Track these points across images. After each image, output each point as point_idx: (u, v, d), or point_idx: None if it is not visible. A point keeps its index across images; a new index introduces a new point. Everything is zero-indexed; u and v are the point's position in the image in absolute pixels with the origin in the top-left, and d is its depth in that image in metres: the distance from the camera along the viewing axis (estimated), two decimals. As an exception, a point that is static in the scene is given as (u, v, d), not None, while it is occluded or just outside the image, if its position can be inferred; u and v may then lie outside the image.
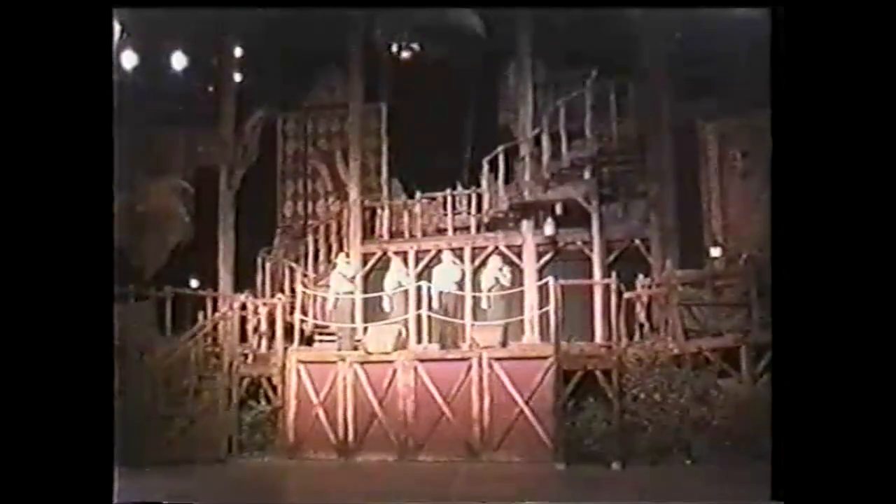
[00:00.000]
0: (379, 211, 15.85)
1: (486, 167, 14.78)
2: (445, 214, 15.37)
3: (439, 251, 14.80)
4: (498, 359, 12.36)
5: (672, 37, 13.53)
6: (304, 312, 14.46)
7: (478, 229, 15.17)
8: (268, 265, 15.46)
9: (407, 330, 13.55)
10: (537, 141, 14.36)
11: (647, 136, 14.07)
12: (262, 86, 16.46)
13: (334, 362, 13.10)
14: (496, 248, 14.74)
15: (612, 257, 14.13)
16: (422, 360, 12.73)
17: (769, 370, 10.12)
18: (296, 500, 10.56)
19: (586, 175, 14.00)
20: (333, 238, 15.86)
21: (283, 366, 13.19)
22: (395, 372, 12.68)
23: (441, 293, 13.82)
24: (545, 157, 14.06)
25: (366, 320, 14.46)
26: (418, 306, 13.62)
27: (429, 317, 13.66)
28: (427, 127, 15.58)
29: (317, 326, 14.59)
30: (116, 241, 5.39)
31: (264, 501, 9.97)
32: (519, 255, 14.73)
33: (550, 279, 12.72)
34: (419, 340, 13.79)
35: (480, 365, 12.31)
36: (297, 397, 13.06)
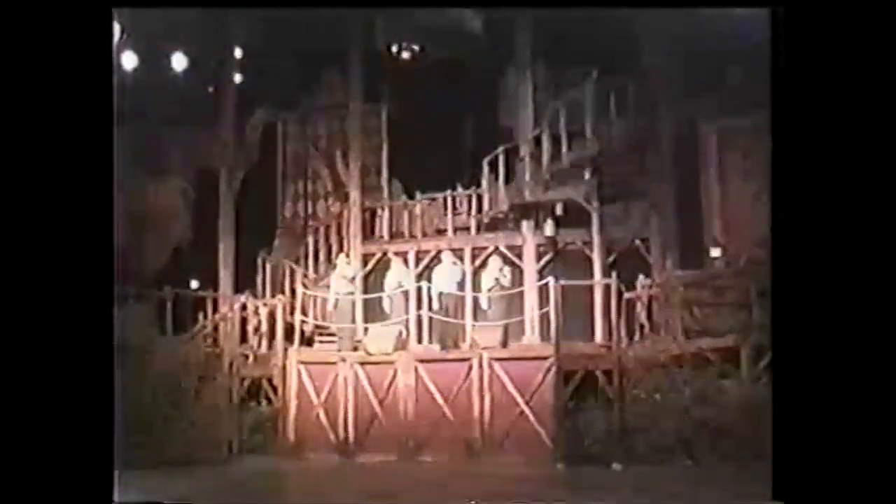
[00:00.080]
0: (379, 211, 15.85)
1: (486, 168, 14.77)
2: (445, 215, 15.36)
3: (439, 252, 14.79)
4: (498, 359, 12.36)
5: (672, 37, 13.52)
6: (305, 313, 14.46)
7: (478, 230, 15.16)
8: (268, 266, 15.48)
9: (407, 330, 13.56)
10: (537, 141, 14.35)
11: (647, 136, 14.06)
12: (262, 86, 16.47)
13: (335, 363, 13.11)
14: (496, 248, 14.73)
15: (612, 257, 14.12)
16: (422, 361, 12.73)
17: (769, 370, 10.11)
18: (296, 501, 10.56)
19: (586, 175, 13.99)
20: (334, 239, 15.86)
21: (284, 366, 13.21)
22: (395, 372, 12.68)
23: (441, 294, 13.82)
24: (545, 158, 14.05)
25: (366, 321, 14.47)
26: (419, 307, 13.63)
27: (429, 317, 13.66)
28: (427, 127, 15.58)
29: (317, 327, 14.59)
30: (116, 241, 5.38)
31: (265, 502, 9.97)
32: (519, 256, 14.72)
33: (551, 279, 12.73)
34: (419, 341, 13.79)
35: (481, 365, 12.31)
36: (298, 398, 13.08)
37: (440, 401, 12.37)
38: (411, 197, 15.78)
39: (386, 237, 15.64)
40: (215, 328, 13.68)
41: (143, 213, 15.73)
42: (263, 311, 14.14)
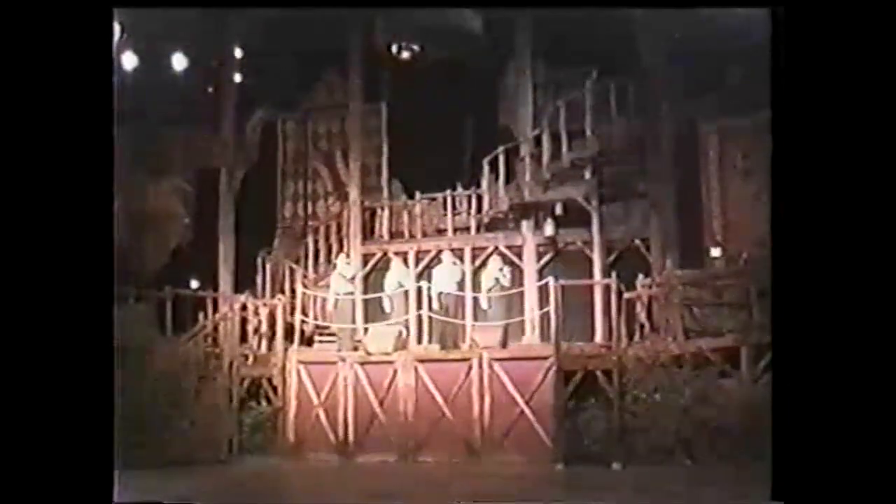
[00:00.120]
0: (379, 211, 15.85)
1: (486, 167, 14.77)
2: (445, 215, 15.36)
3: (439, 252, 14.79)
4: (498, 359, 12.37)
5: (672, 37, 13.52)
6: (305, 313, 14.46)
7: (478, 230, 15.16)
8: (268, 266, 15.48)
9: (407, 330, 13.57)
10: (537, 141, 14.36)
11: (647, 136, 14.06)
12: (262, 86, 16.47)
13: (335, 363, 13.11)
14: (496, 248, 14.73)
15: (612, 257, 14.12)
16: (422, 361, 12.74)
17: (769, 370, 10.11)
18: (296, 501, 10.55)
19: (586, 175, 13.99)
20: (334, 238, 15.85)
21: (284, 366, 13.22)
22: (395, 372, 12.69)
23: (441, 294, 13.82)
24: (545, 158, 14.05)
25: (366, 321, 14.47)
26: (418, 307, 13.64)
27: (429, 317, 13.67)
28: (427, 127, 15.58)
29: (317, 327, 14.59)
30: (116, 241, 5.38)
31: (264, 502, 9.97)
32: (519, 256, 14.72)
33: (551, 279, 12.73)
34: (419, 341, 13.79)
35: (481, 365, 12.32)
36: (298, 398, 13.08)
37: (440, 401, 12.38)
38: (411, 197, 15.78)
39: (386, 237, 15.63)
40: (215, 328, 13.68)
41: (143, 213, 15.72)
42: (263, 311, 14.15)
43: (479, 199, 15.11)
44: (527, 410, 11.95)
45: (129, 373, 11.77)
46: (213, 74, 16.23)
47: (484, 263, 14.56)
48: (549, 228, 14.36)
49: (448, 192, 15.35)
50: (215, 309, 14.26)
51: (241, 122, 16.49)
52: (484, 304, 13.91)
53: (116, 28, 12.06)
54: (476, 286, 14.22)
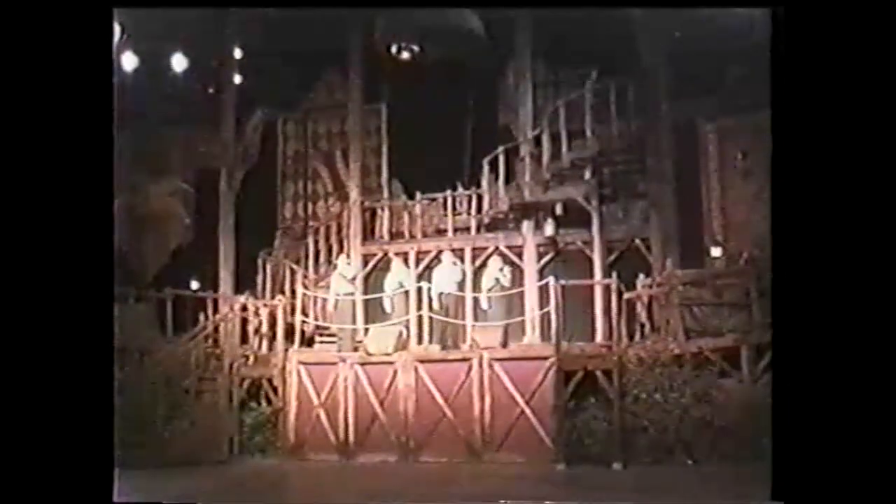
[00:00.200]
0: (379, 212, 15.84)
1: (486, 167, 14.76)
2: (446, 215, 15.34)
3: (440, 252, 14.77)
4: (498, 359, 12.36)
5: (672, 37, 13.52)
6: (305, 313, 14.45)
7: (478, 230, 15.15)
8: (268, 266, 15.47)
9: (407, 331, 13.56)
10: (537, 141, 14.35)
11: (647, 136, 14.06)
12: (262, 86, 16.47)
13: (335, 363, 13.10)
14: (496, 248, 14.72)
15: (612, 257, 14.11)
16: (422, 361, 12.73)
17: (769, 370, 10.11)
18: (296, 501, 10.56)
19: (586, 175, 13.99)
20: (334, 239, 15.84)
21: (284, 367, 13.21)
22: (395, 373, 12.68)
23: (441, 294, 13.82)
24: (545, 158, 14.05)
25: (366, 321, 14.45)
26: (419, 307, 13.63)
27: (429, 317, 13.67)
28: (427, 127, 15.58)
29: (317, 327, 14.58)
30: (116, 242, 5.39)
31: (265, 502, 9.97)
32: (519, 256, 14.71)
33: (551, 279, 12.72)
34: (420, 341, 13.79)
35: (481, 365, 12.31)
36: (298, 398, 13.07)
37: (440, 401, 12.37)
38: (411, 197, 15.77)
39: (386, 237, 15.62)
40: (216, 329, 13.67)
41: (143, 213, 15.73)
42: (264, 312, 14.13)
43: (480, 199, 15.09)
44: (527, 410, 11.94)
45: (130, 373, 11.82)
46: (213, 74, 16.23)
47: (484, 263, 14.56)
48: (549, 228, 14.36)
49: (448, 192, 15.34)
50: (216, 309, 14.26)
51: (241, 123, 16.47)
52: (484, 305, 13.91)
53: (116, 28, 12.05)
54: (476, 286, 14.21)
